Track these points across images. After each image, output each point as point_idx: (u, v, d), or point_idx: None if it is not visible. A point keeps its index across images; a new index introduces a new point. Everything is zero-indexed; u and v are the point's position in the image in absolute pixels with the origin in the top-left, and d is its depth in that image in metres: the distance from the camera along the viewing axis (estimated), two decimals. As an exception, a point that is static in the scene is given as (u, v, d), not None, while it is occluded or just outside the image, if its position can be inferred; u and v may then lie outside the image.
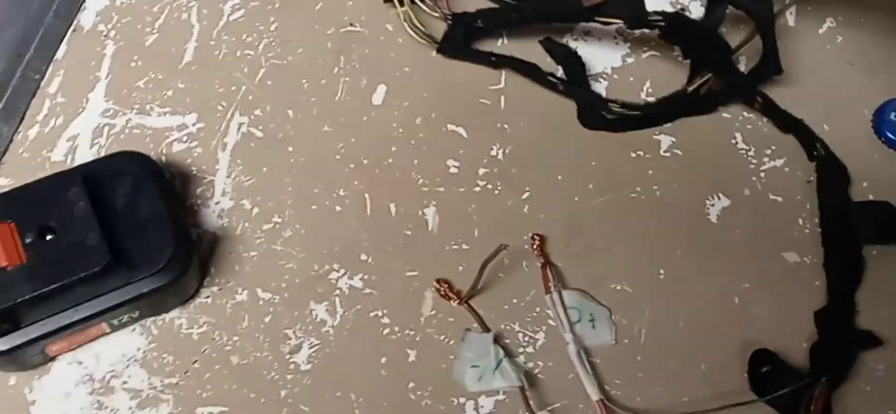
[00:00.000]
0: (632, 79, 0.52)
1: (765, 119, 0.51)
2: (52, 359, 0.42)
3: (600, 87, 0.52)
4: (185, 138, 0.48)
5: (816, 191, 0.49)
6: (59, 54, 0.50)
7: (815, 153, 0.50)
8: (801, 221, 0.48)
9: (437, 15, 0.52)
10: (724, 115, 0.52)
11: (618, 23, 0.48)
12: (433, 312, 0.45)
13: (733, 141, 0.51)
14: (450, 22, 0.51)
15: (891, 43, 0.55)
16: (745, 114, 0.52)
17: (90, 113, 0.49)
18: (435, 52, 0.52)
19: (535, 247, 0.46)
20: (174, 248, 0.42)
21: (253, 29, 0.52)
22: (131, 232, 0.42)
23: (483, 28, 0.51)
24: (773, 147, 0.51)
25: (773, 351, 0.43)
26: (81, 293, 0.40)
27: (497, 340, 0.43)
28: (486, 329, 0.44)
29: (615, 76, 0.53)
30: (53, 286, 0.39)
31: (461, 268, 0.46)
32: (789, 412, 0.41)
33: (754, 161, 0.50)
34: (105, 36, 0.51)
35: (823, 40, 0.55)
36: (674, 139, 0.51)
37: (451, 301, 0.44)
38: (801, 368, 0.43)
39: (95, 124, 0.48)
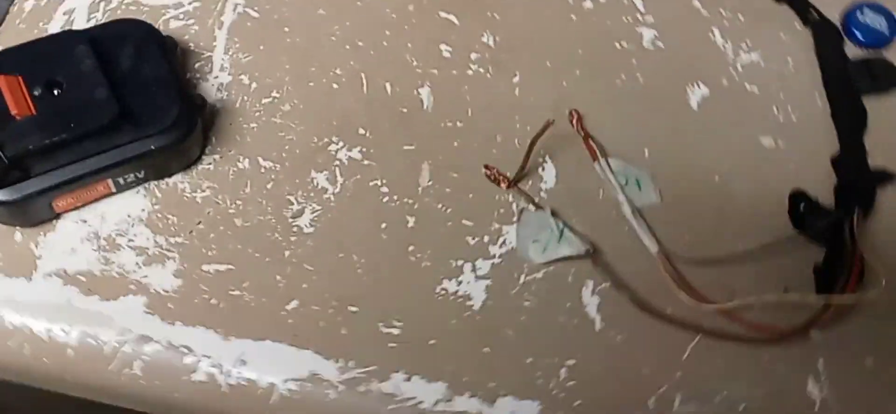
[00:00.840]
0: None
1: (739, 14, 0.53)
2: (58, 217, 0.42)
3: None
4: (181, 16, 0.48)
5: (814, 52, 0.52)
6: (53, -69, 0.50)
7: (809, 18, 0.52)
8: (776, 108, 0.50)
9: None
10: (704, 12, 0.53)
11: None
12: (430, 183, 0.45)
13: (711, 35, 0.53)
14: None
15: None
16: (722, 10, 0.53)
17: (86, -12, 0.49)
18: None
19: (575, 122, 0.48)
20: (180, 108, 0.42)
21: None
22: (137, 92, 0.42)
23: None
24: (747, 41, 0.52)
25: (807, 193, 0.46)
26: (89, 147, 0.40)
27: (554, 214, 0.45)
28: (539, 207, 0.45)
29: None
30: (62, 137, 0.39)
31: (456, 143, 0.46)
32: (830, 244, 0.45)
33: (731, 55, 0.52)
34: (99, -84, 0.51)
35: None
36: (656, 32, 0.52)
37: (501, 184, 0.45)
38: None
39: (90, 1, 0.48)
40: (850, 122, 0.50)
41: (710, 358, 0.42)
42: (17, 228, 0.41)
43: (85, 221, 0.42)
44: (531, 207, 0.45)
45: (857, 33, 0.53)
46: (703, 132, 0.49)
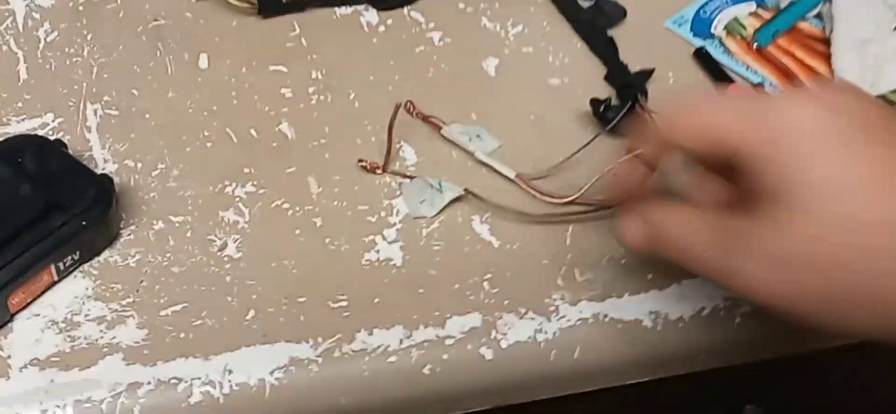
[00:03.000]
0: None
1: (497, 5, 0.63)
2: (12, 318, 0.42)
3: None
4: (50, 132, 0.50)
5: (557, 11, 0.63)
6: None
7: None
8: (551, 58, 0.60)
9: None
10: (468, 9, 0.63)
11: None
12: (320, 189, 0.50)
13: (483, 24, 0.62)
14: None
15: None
16: (482, 4, 0.63)
17: (-49, 137, 0.49)
18: (258, 14, 0.58)
19: (413, 110, 0.55)
20: (96, 185, 0.44)
21: (72, 43, 0.55)
22: (54, 184, 0.43)
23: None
24: (510, 20, 0.62)
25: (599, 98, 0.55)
26: (29, 239, 0.41)
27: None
28: (412, 178, 0.51)
29: None
30: (3, 236, 0.40)
31: (327, 156, 0.52)
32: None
33: (502, 32, 0.61)
34: (-64, 79, 0.52)
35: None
36: (441, 32, 0.61)
37: (376, 171, 0.51)
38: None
39: (-39, 143, 0.49)
40: (605, 48, 0.61)
41: (585, 235, 0.50)
42: (-24, 339, 0.42)
43: (38, 315, 0.43)
44: (407, 181, 0.51)
45: None
46: (508, 87, 0.57)
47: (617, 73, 0.59)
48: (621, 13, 0.64)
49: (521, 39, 0.61)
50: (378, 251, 0.48)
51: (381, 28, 0.60)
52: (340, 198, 0.50)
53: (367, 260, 0.47)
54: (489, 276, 0.47)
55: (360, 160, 0.51)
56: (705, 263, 0.39)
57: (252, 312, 0.44)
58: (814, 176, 0.35)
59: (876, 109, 0.36)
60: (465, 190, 0.50)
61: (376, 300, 0.46)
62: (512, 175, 0.52)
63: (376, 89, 0.56)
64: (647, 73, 0.59)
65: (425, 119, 0.54)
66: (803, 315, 0.36)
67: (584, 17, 0.63)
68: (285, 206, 0.49)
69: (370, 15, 0.61)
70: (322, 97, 0.55)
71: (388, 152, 0.52)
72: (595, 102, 0.56)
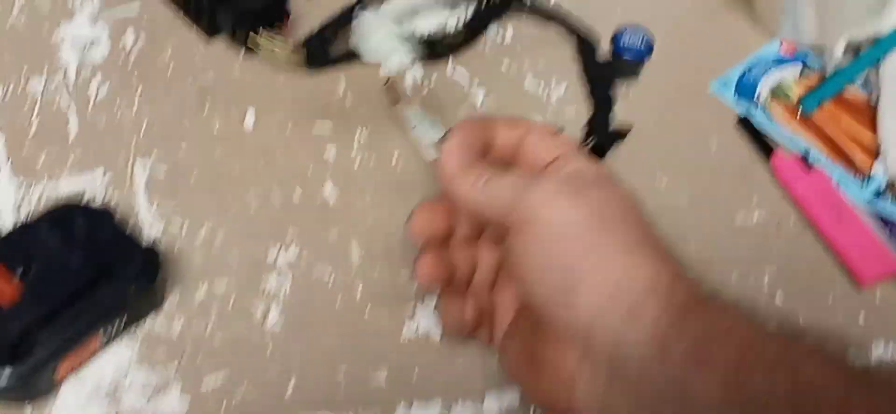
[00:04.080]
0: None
1: (541, 63, 0.63)
2: (58, 386, 0.43)
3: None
4: (100, 188, 0.51)
5: (576, 55, 0.64)
6: (-47, 156, 0.51)
7: (573, 30, 0.65)
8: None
9: (289, 44, 0.58)
10: (513, 67, 0.63)
11: None
12: (362, 255, 0.50)
13: (526, 85, 0.62)
14: (306, 43, 0.58)
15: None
16: (527, 62, 0.63)
17: (5, 191, 0.49)
18: (305, 71, 0.59)
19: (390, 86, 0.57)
20: (143, 253, 0.45)
21: (122, 97, 0.56)
22: (102, 252, 0.44)
23: (332, 35, 0.59)
24: (555, 78, 0.62)
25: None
26: (76, 310, 0.42)
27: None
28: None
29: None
30: (53, 306, 0.41)
31: (369, 220, 0.52)
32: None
33: (546, 93, 0.61)
34: (-10, 133, 0.53)
35: None
36: (485, 91, 0.61)
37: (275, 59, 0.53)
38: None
39: (14, 199, 0.49)
40: (600, 100, 0.62)
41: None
42: (26, 403, 0.42)
43: (84, 382, 0.43)
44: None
45: (624, 54, 0.65)
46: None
47: (596, 119, 0.60)
48: (634, 70, 0.64)
49: (564, 100, 0.61)
50: (418, 324, 0.48)
51: (426, 86, 0.60)
52: (382, 265, 0.50)
53: (406, 333, 0.47)
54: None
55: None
56: (505, 194, 0.41)
57: (292, 383, 0.45)
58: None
59: (619, 202, 0.40)
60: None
61: (416, 373, 0.46)
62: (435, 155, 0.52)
63: (419, 151, 0.56)
64: (623, 132, 0.59)
65: (396, 94, 0.57)
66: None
67: (596, 68, 0.63)
68: (327, 273, 0.49)
69: (415, 71, 0.61)
70: (365, 157, 0.55)
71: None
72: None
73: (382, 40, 0.50)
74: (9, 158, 0.51)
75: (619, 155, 0.58)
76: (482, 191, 0.41)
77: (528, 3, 0.65)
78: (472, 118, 0.45)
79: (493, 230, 0.45)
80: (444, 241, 0.45)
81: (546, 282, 0.38)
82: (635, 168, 0.56)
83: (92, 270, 0.42)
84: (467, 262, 0.45)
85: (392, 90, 0.57)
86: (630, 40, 0.66)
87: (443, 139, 0.43)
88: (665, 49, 0.64)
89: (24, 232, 0.44)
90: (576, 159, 0.42)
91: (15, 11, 0.60)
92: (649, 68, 0.64)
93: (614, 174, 0.42)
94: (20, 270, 0.42)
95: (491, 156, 0.44)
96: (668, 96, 0.62)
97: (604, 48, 0.65)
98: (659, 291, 0.36)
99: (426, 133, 0.53)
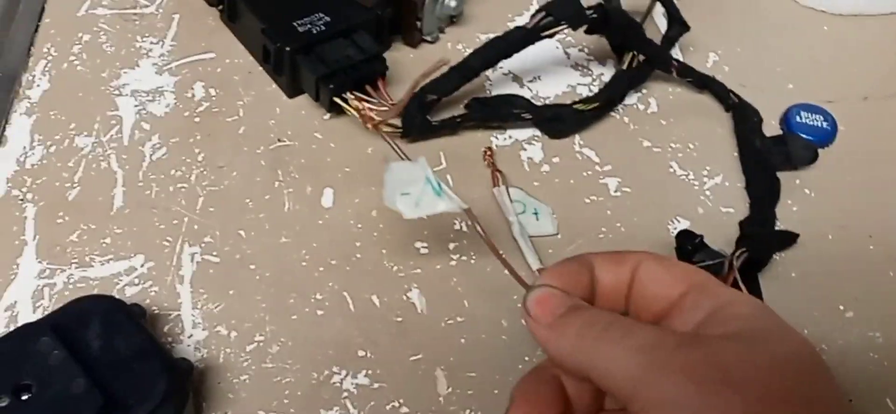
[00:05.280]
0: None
1: (692, 145, 0.52)
2: None
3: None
4: (136, 281, 0.42)
5: (734, 132, 0.53)
6: (-26, 227, 0.44)
7: (730, 102, 0.53)
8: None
9: (385, 108, 0.49)
10: (655, 149, 0.51)
11: (562, 27, 0.48)
12: (449, 389, 0.40)
13: (671, 170, 0.51)
14: (404, 107, 0.48)
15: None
16: (672, 145, 0.52)
17: (24, 278, 0.41)
18: (401, 139, 0.49)
19: (486, 155, 0.49)
20: (167, 378, 0.36)
21: (180, 163, 0.47)
22: (116, 373, 0.35)
23: (436, 99, 0.49)
24: (708, 167, 0.51)
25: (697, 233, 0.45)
26: (72, 457, 0.33)
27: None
28: (407, 158, 0.40)
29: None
30: (44, 450, 0.32)
31: (463, 341, 0.42)
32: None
33: (698, 183, 0.50)
34: (21, 199, 0.45)
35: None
36: (619, 180, 0.49)
37: (367, 124, 0.43)
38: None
39: (33, 287, 0.41)
40: (762, 192, 0.49)
41: None
42: None
43: None
44: (399, 159, 0.40)
45: (802, 134, 0.53)
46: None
47: (754, 218, 0.48)
48: (811, 156, 0.51)
49: (720, 194, 0.49)
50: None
51: (545, 167, 0.50)
52: (472, 403, 0.39)
53: (498, 501, 0.37)
54: None
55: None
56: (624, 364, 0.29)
57: None
58: None
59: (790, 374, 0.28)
60: (468, 210, 0.39)
61: None
62: (534, 265, 0.43)
63: (550, 246, 0.45)
64: (787, 238, 0.47)
65: (494, 169, 0.48)
66: None
67: (759, 148, 0.51)
68: (404, 410, 0.39)
69: (533, 149, 0.50)
70: (465, 258, 0.45)
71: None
72: (684, 235, 0.45)
73: (422, 190, 0.39)
74: (36, 236, 0.43)
75: (784, 273, 0.46)
76: (590, 352, 0.30)
77: (678, 65, 0.54)
78: (568, 258, 0.34)
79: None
80: None
81: None
82: (811, 295, 0.44)
83: (96, 402, 0.33)
84: None
85: (490, 162, 0.47)
86: (807, 120, 0.53)
87: (530, 290, 0.32)
88: (849, 137, 0.52)
89: (21, 340, 0.35)
90: (712, 298, 0.31)
91: (73, 54, 0.52)
92: (828, 159, 0.51)
93: (778, 316, 0.30)
94: (7, 398, 0.33)
95: (596, 306, 0.33)
96: (855, 193, 0.50)
97: (770, 127, 0.53)
98: None
99: (529, 226, 0.44)
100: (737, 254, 0.44)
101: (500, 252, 0.40)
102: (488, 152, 0.49)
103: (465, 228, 0.46)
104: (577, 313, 0.31)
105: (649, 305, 0.32)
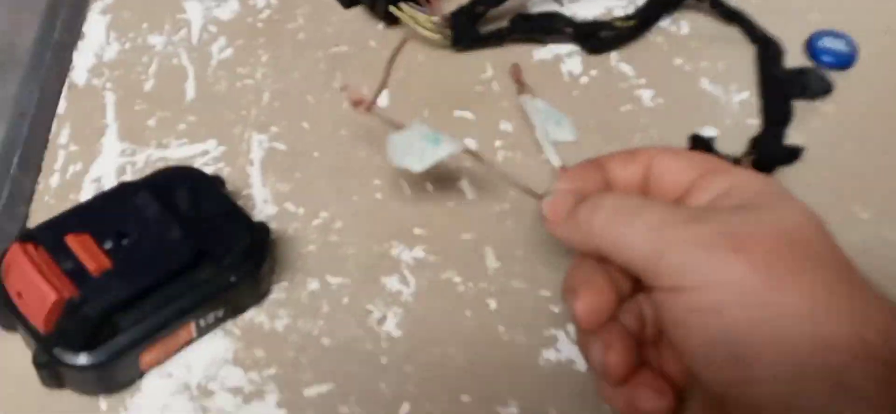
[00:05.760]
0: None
1: (721, 64, 0.55)
2: (141, 376, 0.38)
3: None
4: (210, 162, 0.46)
5: (756, 62, 0.55)
6: (60, 110, 0.47)
7: (755, 35, 0.56)
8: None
9: (436, 19, 0.52)
10: (686, 67, 0.55)
11: None
12: (499, 264, 0.44)
13: (701, 85, 0.54)
14: (453, 17, 0.52)
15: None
16: (702, 63, 0.55)
17: (108, 155, 0.46)
18: (451, 47, 0.53)
19: (512, 70, 0.52)
20: (251, 237, 0.40)
21: (245, 62, 0.51)
22: (205, 229, 0.39)
23: (484, 11, 0.53)
24: (736, 84, 0.54)
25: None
26: (171, 291, 0.37)
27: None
28: (402, 127, 0.43)
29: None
30: (146, 283, 0.36)
31: (509, 223, 0.45)
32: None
33: (726, 96, 0.53)
34: (102, 88, 0.49)
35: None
36: (654, 91, 0.53)
37: (360, 107, 0.43)
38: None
39: (117, 164, 0.45)
40: (775, 115, 0.52)
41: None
42: (101, 396, 0.37)
43: (170, 375, 0.38)
44: (395, 130, 0.43)
45: (825, 57, 0.56)
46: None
47: (765, 135, 0.51)
48: (825, 88, 0.54)
49: (747, 106, 0.52)
50: (559, 350, 0.41)
51: (584, 79, 0.53)
52: (520, 278, 0.43)
53: (545, 359, 0.41)
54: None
55: (343, 87, 0.48)
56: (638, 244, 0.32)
57: (406, 407, 0.38)
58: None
59: (795, 233, 0.31)
60: (466, 147, 0.42)
61: (552, 412, 0.39)
62: (556, 163, 0.46)
63: (571, 151, 0.49)
64: (794, 151, 0.50)
65: (519, 82, 0.51)
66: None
67: (778, 76, 0.54)
68: (457, 279, 0.43)
69: (573, 62, 0.54)
70: (509, 154, 0.49)
71: (381, 86, 0.47)
72: (696, 139, 0.49)
73: (422, 147, 0.42)
74: (116, 119, 0.47)
75: (804, 183, 0.49)
76: (605, 236, 0.33)
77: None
78: (582, 161, 0.37)
79: None
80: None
81: (712, 363, 0.30)
82: (826, 199, 0.48)
83: (191, 248, 0.37)
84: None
85: (517, 77, 0.50)
86: (830, 44, 0.57)
87: (543, 196, 0.36)
88: (868, 61, 0.55)
89: (121, 195, 0.39)
90: (724, 177, 0.34)
91: (142, -37, 0.56)
92: (847, 83, 0.55)
93: (786, 190, 0.33)
94: (111, 242, 0.37)
95: None
96: (872, 115, 0.53)
97: (791, 57, 0.56)
98: (868, 352, 0.28)
99: (551, 132, 0.47)
100: (745, 154, 0.48)
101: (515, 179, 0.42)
102: (514, 68, 0.52)
103: (509, 130, 0.50)
104: (584, 204, 0.34)
105: (665, 195, 0.35)
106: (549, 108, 0.50)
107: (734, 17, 0.58)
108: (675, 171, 0.35)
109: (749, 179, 0.34)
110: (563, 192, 0.36)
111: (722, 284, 0.30)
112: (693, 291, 0.30)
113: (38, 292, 0.34)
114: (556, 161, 0.46)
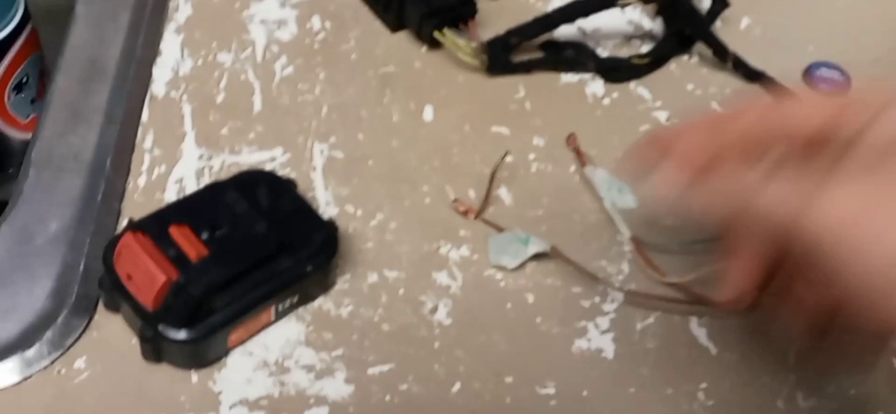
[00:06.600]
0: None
1: (729, 89, 0.60)
2: (227, 354, 0.42)
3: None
4: (278, 167, 0.51)
5: None
6: (144, 118, 0.52)
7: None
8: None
9: (474, 44, 0.57)
10: (697, 91, 0.60)
11: (635, 1, 0.57)
12: (535, 263, 0.48)
13: (712, 108, 0.59)
14: (489, 46, 0.57)
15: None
16: (711, 89, 0.60)
17: (188, 159, 0.50)
18: (486, 72, 0.58)
19: (570, 141, 0.54)
20: (324, 232, 0.44)
21: (305, 79, 0.56)
22: (284, 225, 0.43)
23: (517, 43, 0.57)
24: (742, 108, 0.59)
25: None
26: (257, 278, 0.41)
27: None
28: (502, 230, 0.49)
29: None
30: (238, 269, 0.41)
31: (544, 228, 0.50)
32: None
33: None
34: (179, 100, 0.53)
35: None
36: (669, 113, 0.58)
37: (468, 215, 0.50)
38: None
39: (196, 167, 0.50)
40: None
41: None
42: (192, 370, 0.42)
43: (251, 354, 0.43)
44: (496, 232, 0.49)
45: (822, 86, 0.61)
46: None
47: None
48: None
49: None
50: (589, 339, 0.45)
51: (606, 100, 0.58)
52: (554, 276, 0.48)
53: (577, 347, 0.45)
54: (704, 385, 0.44)
55: (455, 201, 0.50)
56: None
57: (458, 385, 0.43)
58: None
59: None
60: (553, 247, 0.48)
61: (585, 393, 0.43)
62: (627, 235, 0.49)
63: (597, 163, 0.53)
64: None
65: (578, 153, 0.54)
66: None
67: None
68: (498, 276, 0.47)
69: (596, 85, 0.59)
70: (542, 166, 0.53)
71: (486, 199, 0.50)
72: None
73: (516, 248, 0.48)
74: (193, 127, 0.52)
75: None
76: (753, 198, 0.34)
77: (733, 58, 0.61)
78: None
79: None
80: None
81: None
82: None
83: (274, 240, 0.42)
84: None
85: (574, 146, 0.54)
86: (826, 74, 0.62)
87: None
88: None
89: (213, 193, 0.44)
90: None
91: (209, -12, 0.61)
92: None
93: None
94: (206, 233, 0.41)
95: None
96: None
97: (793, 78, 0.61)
98: None
99: (617, 201, 0.51)
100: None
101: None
102: (573, 137, 0.54)
103: (542, 144, 0.54)
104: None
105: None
106: (611, 178, 0.52)
107: (757, 77, 0.61)
108: (810, 113, 0.36)
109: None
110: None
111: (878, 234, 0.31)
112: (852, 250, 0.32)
113: (148, 274, 0.39)
114: (626, 232, 0.49)
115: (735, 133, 0.37)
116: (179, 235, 0.40)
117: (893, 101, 0.34)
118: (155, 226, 0.41)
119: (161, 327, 0.39)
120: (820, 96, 0.37)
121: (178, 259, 0.40)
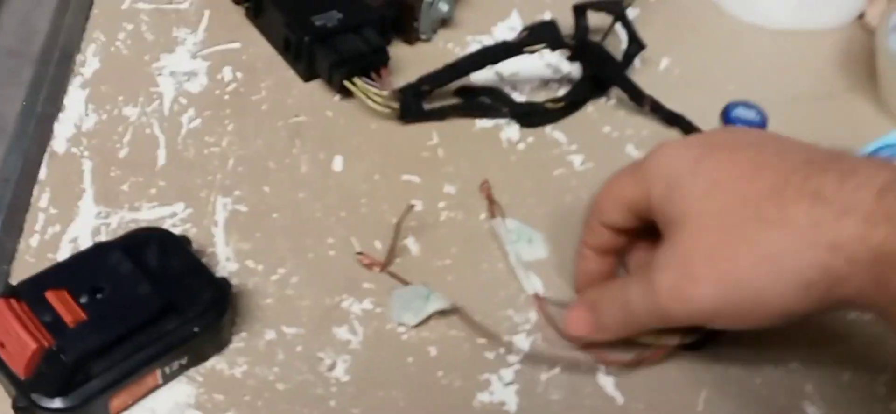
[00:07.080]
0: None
1: (645, 131, 0.59)
2: (111, 419, 0.41)
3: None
4: (178, 222, 0.49)
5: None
6: (41, 176, 0.50)
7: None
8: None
9: (385, 93, 0.56)
10: (613, 134, 0.59)
11: (541, 47, 0.56)
12: (436, 320, 0.47)
13: (627, 151, 0.58)
14: (401, 93, 0.56)
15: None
16: (628, 131, 0.59)
17: (84, 217, 0.48)
18: (398, 119, 0.57)
19: (483, 187, 0.53)
20: (213, 291, 0.43)
21: (213, 131, 0.54)
22: (171, 284, 0.42)
23: (429, 90, 0.56)
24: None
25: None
26: (140, 341, 0.40)
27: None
28: (407, 283, 0.48)
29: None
30: (117, 333, 0.39)
31: (450, 278, 0.49)
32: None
33: (648, 162, 0.57)
34: (80, 156, 0.52)
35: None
36: (583, 156, 0.57)
37: (373, 268, 0.48)
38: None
39: (93, 226, 0.48)
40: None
41: (722, 402, 0.45)
42: (74, 439, 0.40)
43: (137, 419, 0.41)
44: (400, 286, 0.48)
45: (739, 125, 0.60)
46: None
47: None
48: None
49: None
50: (492, 393, 0.44)
51: (521, 145, 0.57)
52: (459, 327, 0.46)
53: (479, 401, 0.44)
54: (611, 435, 0.43)
55: (359, 253, 0.49)
56: (638, 308, 0.42)
57: (353, 444, 0.42)
58: (697, 190, 0.40)
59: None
60: (454, 306, 0.47)
61: (486, 448, 0.42)
62: (529, 291, 0.48)
63: (509, 211, 0.52)
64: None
65: (490, 201, 0.52)
66: (722, 304, 0.39)
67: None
68: (401, 329, 0.46)
69: (511, 130, 0.58)
70: (453, 214, 0.52)
71: (391, 250, 0.49)
72: None
73: (417, 305, 0.47)
74: (93, 184, 0.50)
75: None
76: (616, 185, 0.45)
77: (651, 102, 0.60)
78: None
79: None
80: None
81: None
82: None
83: (158, 301, 0.40)
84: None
85: (487, 195, 0.53)
86: (742, 114, 0.61)
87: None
88: (777, 127, 0.60)
89: (98, 254, 0.42)
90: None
91: (119, 40, 0.59)
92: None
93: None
94: (86, 296, 0.40)
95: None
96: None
97: (711, 125, 0.60)
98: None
99: (523, 254, 0.50)
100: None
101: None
102: (485, 185, 0.53)
103: (453, 192, 0.53)
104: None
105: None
106: (521, 226, 0.52)
107: (675, 121, 0.60)
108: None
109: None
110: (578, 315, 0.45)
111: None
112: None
113: (19, 342, 0.37)
114: (530, 288, 0.48)
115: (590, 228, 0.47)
116: (56, 299, 0.39)
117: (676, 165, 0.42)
118: (32, 290, 0.39)
119: (34, 396, 0.37)
120: (623, 173, 0.45)
121: (54, 325, 0.38)
